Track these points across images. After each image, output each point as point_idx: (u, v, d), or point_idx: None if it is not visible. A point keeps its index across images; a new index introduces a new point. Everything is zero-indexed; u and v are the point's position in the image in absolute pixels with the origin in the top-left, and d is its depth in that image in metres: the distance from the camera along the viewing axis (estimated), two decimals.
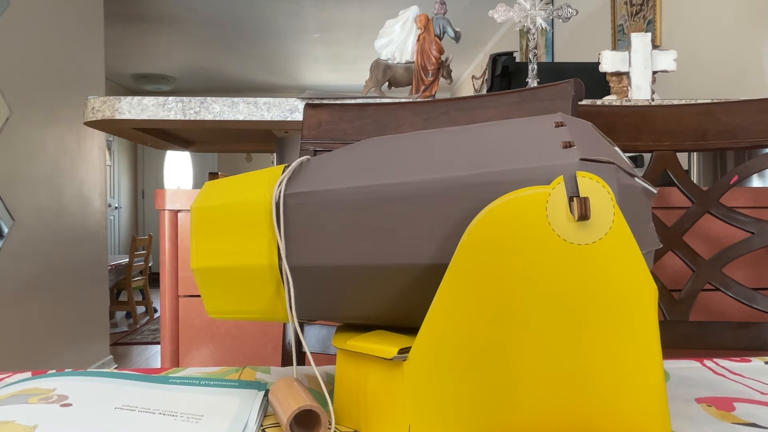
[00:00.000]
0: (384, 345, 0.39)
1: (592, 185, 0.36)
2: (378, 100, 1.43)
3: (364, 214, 0.41)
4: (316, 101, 0.99)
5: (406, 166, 0.42)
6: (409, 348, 0.38)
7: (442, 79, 2.05)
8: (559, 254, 0.36)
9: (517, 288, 0.36)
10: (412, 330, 0.43)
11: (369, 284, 0.42)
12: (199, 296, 1.26)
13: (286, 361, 0.85)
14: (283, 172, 0.46)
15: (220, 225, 0.45)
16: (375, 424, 0.40)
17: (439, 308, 0.37)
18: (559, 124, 0.39)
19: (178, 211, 1.24)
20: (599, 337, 0.36)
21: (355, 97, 1.46)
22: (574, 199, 0.35)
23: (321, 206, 0.42)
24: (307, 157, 0.47)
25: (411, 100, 1.05)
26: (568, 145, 0.37)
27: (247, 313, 0.46)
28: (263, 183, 0.45)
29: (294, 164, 0.46)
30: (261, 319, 0.46)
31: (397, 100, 1.14)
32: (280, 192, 0.44)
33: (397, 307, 0.43)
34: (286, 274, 0.43)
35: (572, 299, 0.36)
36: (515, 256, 0.36)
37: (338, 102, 1.00)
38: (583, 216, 0.35)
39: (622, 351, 0.36)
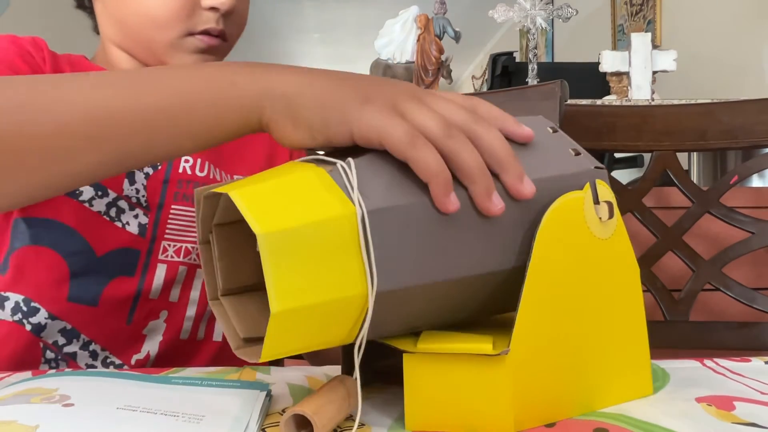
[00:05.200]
0: (474, 343, 0.40)
1: (605, 191, 0.44)
2: None
3: (441, 229, 0.40)
4: None
5: None
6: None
7: (442, 79, 2.06)
8: (594, 247, 0.44)
9: (574, 277, 0.43)
10: (456, 327, 0.44)
11: (445, 298, 0.42)
12: None
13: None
14: (333, 175, 0.39)
15: (304, 252, 0.37)
16: (473, 422, 0.41)
17: (527, 304, 0.40)
18: (554, 130, 0.47)
19: None
20: (618, 312, 0.46)
21: None
22: (602, 203, 0.44)
23: (403, 223, 0.39)
24: (350, 159, 0.40)
25: None
26: (577, 153, 0.46)
27: (314, 347, 0.41)
28: (324, 193, 0.39)
29: (350, 172, 0.40)
30: (321, 348, 0.41)
31: None
32: (363, 210, 0.38)
33: (463, 313, 0.45)
34: (371, 301, 0.38)
35: (604, 283, 0.45)
36: (569, 250, 0.43)
37: None
38: (611, 216, 0.44)
39: (626, 321, 0.46)
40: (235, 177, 0.77)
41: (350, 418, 0.42)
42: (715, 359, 0.56)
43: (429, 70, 1.88)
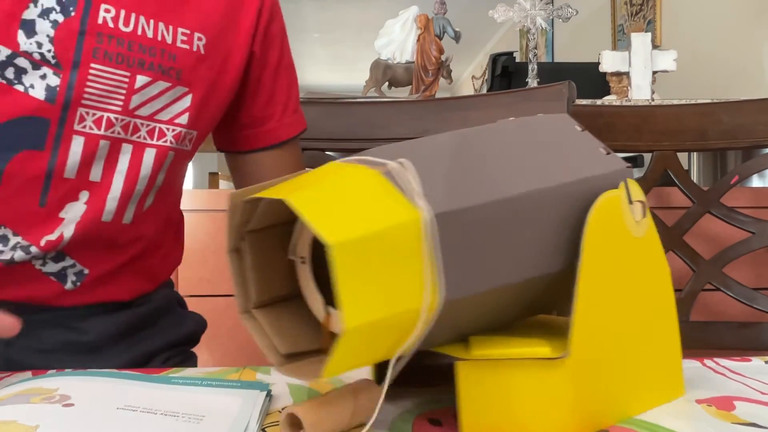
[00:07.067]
0: (531, 347, 0.39)
1: (637, 190, 0.44)
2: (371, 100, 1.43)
3: (501, 231, 0.39)
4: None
5: (517, 174, 0.41)
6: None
7: (442, 79, 2.06)
8: (632, 246, 0.44)
9: (619, 276, 0.43)
10: (494, 331, 0.43)
11: (497, 304, 0.41)
12: (199, 296, 1.26)
13: None
14: (388, 178, 0.37)
15: (373, 263, 0.34)
16: (532, 428, 0.39)
17: (582, 305, 0.40)
18: (582, 129, 0.46)
19: None
20: (654, 312, 0.46)
21: (355, 98, 1.46)
22: (635, 202, 0.43)
23: (466, 227, 0.38)
24: (402, 159, 0.38)
25: (403, 99, 1.05)
26: (607, 152, 0.45)
27: (373, 362, 0.39)
28: (386, 198, 0.36)
29: (411, 174, 0.38)
30: (377, 362, 0.40)
31: (391, 100, 1.14)
32: (430, 214, 0.36)
33: (506, 318, 0.44)
34: (436, 311, 0.37)
35: (642, 283, 0.45)
36: (611, 249, 0.42)
37: (325, 100, 1.00)
38: (644, 215, 0.44)
39: (662, 321, 0.46)
40: (180, 30, 0.66)
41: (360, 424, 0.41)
42: (715, 359, 0.56)
43: (429, 70, 1.88)
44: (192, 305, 1.27)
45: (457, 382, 0.40)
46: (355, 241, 0.34)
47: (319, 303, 0.40)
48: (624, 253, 0.43)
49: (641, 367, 0.44)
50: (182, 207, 1.01)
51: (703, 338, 0.91)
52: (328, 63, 7.01)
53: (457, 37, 1.97)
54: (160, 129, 0.66)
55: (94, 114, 0.62)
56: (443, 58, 1.89)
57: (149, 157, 0.66)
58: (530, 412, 0.39)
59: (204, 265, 1.25)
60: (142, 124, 0.65)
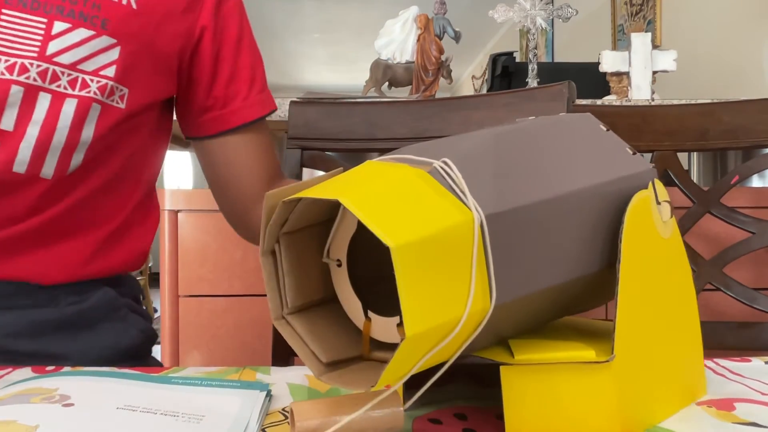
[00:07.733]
0: (577, 351, 0.39)
1: (663, 190, 0.44)
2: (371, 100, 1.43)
3: (548, 232, 0.39)
4: (303, 99, 0.99)
5: (556, 174, 0.40)
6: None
7: (442, 79, 2.06)
8: (660, 247, 0.44)
9: (652, 277, 0.43)
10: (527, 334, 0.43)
11: (539, 306, 0.41)
12: (199, 296, 1.26)
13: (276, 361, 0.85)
14: (435, 176, 0.36)
15: (431, 265, 0.33)
16: (579, 431, 0.39)
17: (624, 306, 0.40)
18: (607, 128, 0.46)
19: (178, 211, 1.24)
20: (681, 313, 0.46)
21: (355, 98, 1.46)
22: (662, 202, 0.44)
23: (516, 227, 0.37)
24: (446, 159, 0.37)
25: (403, 99, 1.05)
26: (633, 152, 0.45)
27: (422, 368, 0.37)
28: (438, 198, 0.35)
29: (455, 174, 0.36)
30: (426, 368, 0.38)
31: (391, 100, 1.14)
32: (481, 215, 0.35)
33: (542, 320, 0.44)
34: (487, 315, 0.36)
35: (670, 284, 0.45)
36: (644, 250, 0.42)
37: (326, 100, 1.00)
38: (671, 215, 0.44)
39: (687, 322, 0.46)
40: None
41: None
42: (715, 360, 0.56)
43: (429, 70, 1.88)
44: (192, 305, 1.27)
45: (503, 387, 0.40)
46: (416, 243, 0.33)
47: (358, 308, 0.40)
48: (654, 253, 0.43)
49: (673, 367, 0.44)
50: (182, 207, 1.00)
51: (703, 338, 0.91)
52: (328, 63, 7.01)
53: (457, 37, 1.97)
54: (83, 79, 0.64)
55: (7, 60, 0.61)
56: (443, 58, 1.89)
57: (69, 107, 0.64)
58: (576, 416, 0.39)
59: (204, 265, 1.25)
60: (62, 73, 0.63)
